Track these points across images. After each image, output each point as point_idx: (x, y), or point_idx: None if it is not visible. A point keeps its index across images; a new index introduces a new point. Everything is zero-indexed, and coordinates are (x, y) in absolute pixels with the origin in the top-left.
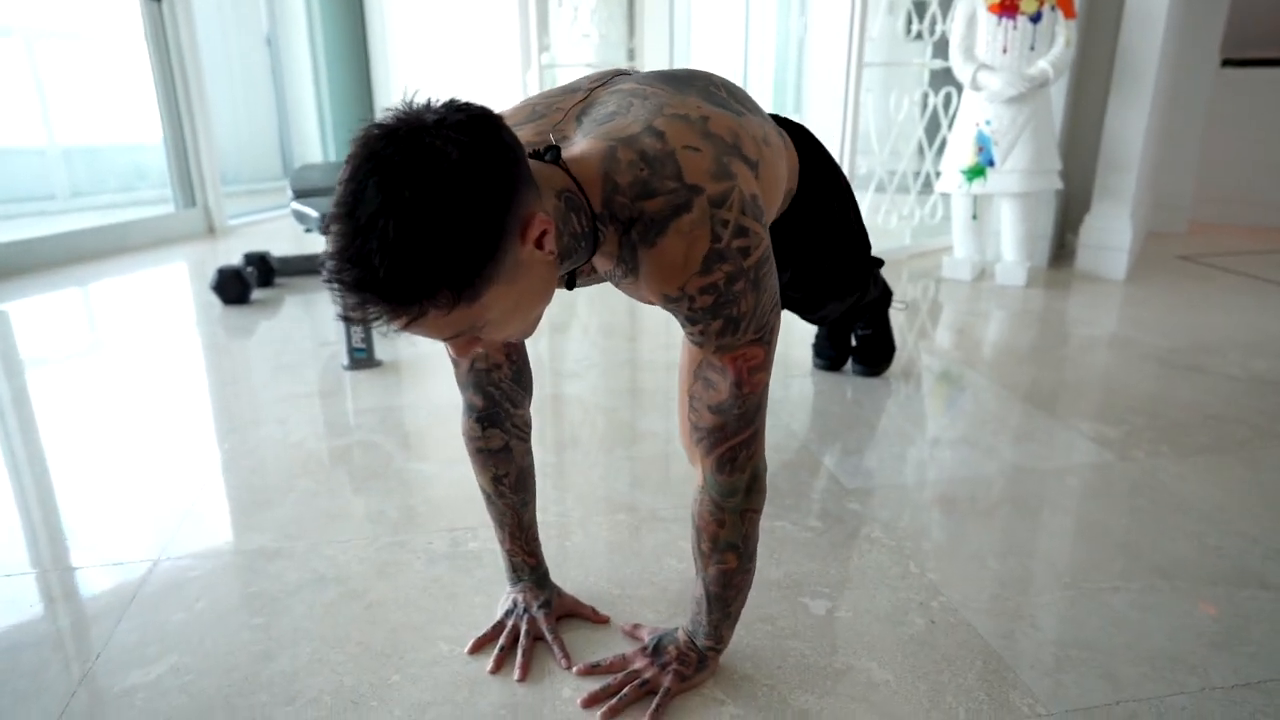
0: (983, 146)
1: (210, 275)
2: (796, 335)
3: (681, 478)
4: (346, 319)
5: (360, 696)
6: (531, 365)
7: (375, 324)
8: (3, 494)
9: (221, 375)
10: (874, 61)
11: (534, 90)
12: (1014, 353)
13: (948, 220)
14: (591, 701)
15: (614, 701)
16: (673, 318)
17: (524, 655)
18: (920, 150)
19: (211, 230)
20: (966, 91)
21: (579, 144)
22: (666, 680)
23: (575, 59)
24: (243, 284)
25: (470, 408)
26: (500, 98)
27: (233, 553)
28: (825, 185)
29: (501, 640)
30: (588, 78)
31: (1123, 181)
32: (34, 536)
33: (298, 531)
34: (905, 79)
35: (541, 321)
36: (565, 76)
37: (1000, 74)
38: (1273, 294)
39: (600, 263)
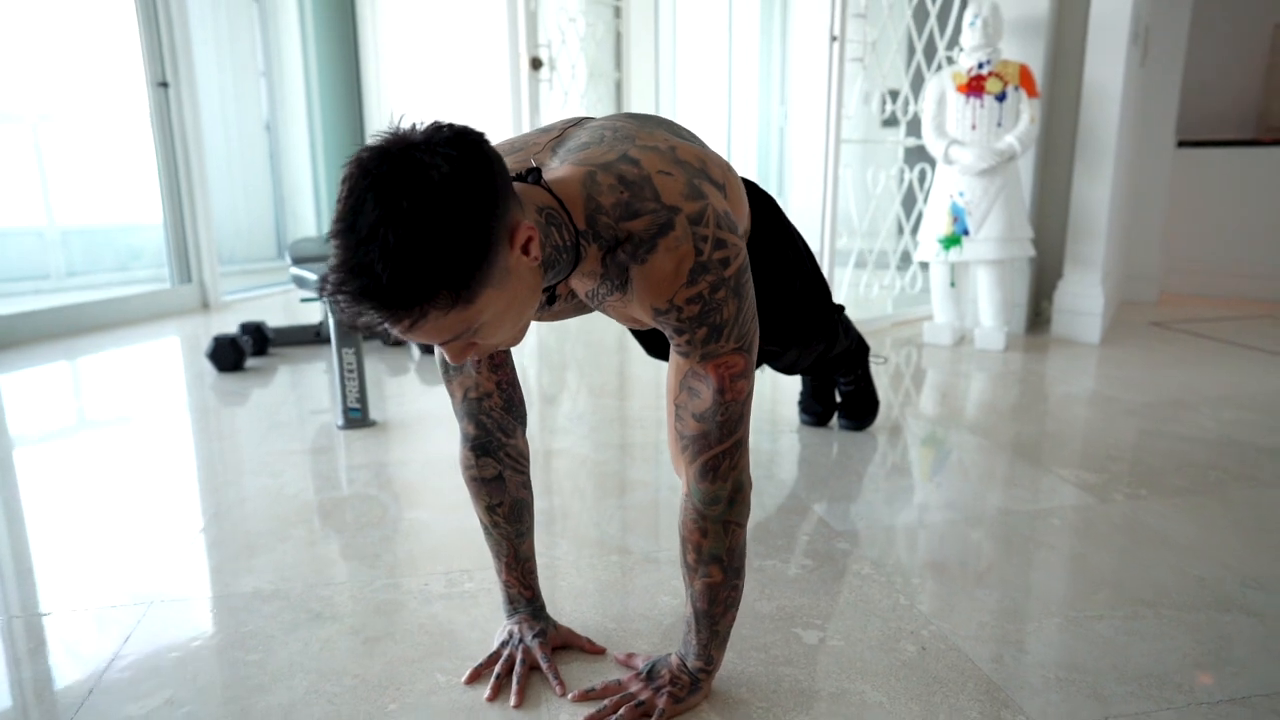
0: (957, 216)
1: (205, 344)
2: (783, 393)
3: (672, 524)
4: (352, 327)
5: (350, 717)
6: (526, 416)
7: (378, 329)
8: None
9: (214, 435)
10: (851, 139)
11: None
12: (995, 409)
13: (928, 291)
14: None
15: None
16: (658, 384)
17: (519, 683)
18: (899, 225)
19: (206, 305)
20: (940, 165)
21: (558, 169)
22: (661, 702)
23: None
24: (238, 351)
25: (465, 437)
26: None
27: (227, 595)
28: (776, 234)
29: (498, 669)
30: (560, 121)
31: (1092, 249)
32: (23, 581)
33: (293, 575)
34: (881, 156)
35: (532, 388)
36: None
37: (971, 148)
38: (1238, 355)
39: (580, 285)
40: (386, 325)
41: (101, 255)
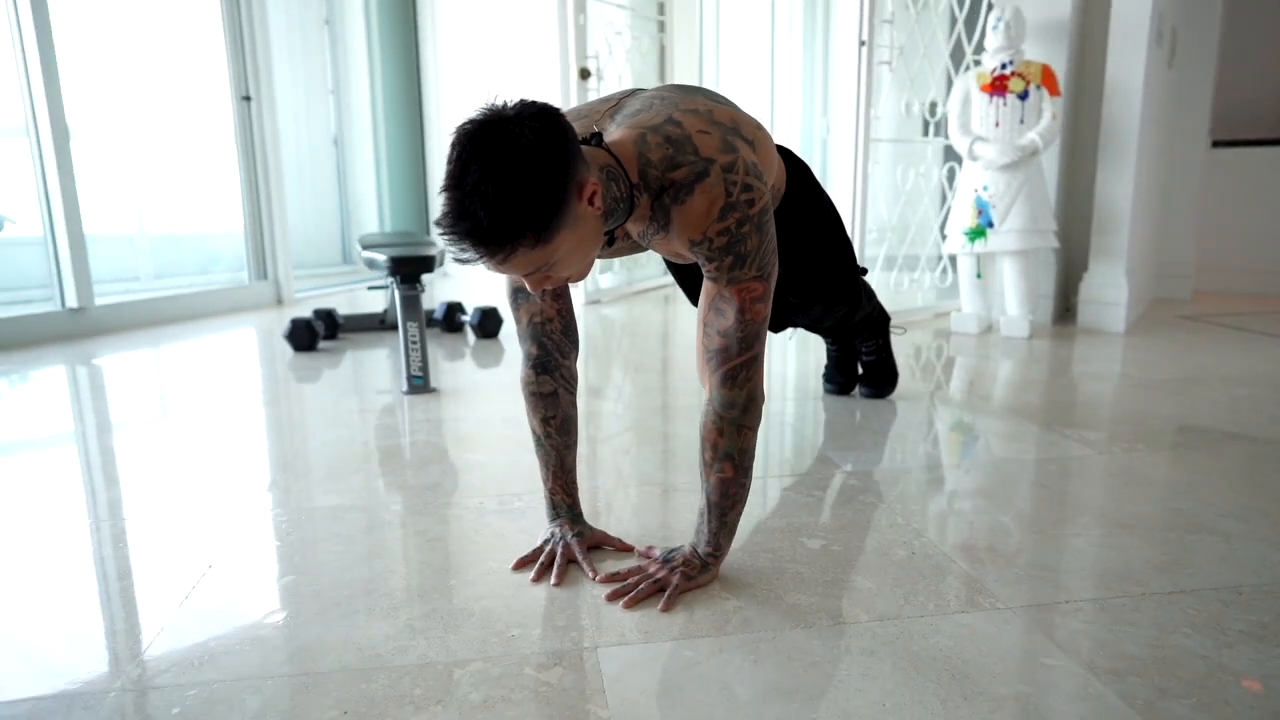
0: (981, 210)
1: (283, 328)
2: (809, 367)
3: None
4: (459, 260)
5: (425, 592)
6: (579, 341)
7: (478, 262)
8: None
9: (291, 400)
10: (883, 138)
11: None
12: (1010, 384)
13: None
14: (614, 595)
15: (632, 594)
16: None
17: (559, 570)
18: (931, 224)
19: (280, 301)
20: (966, 161)
21: (615, 132)
22: (675, 579)
23: None
24: (312, 333)
25: (528, 356)
26: None
27: (311, 509)
28: (808, 197)
29: (542, 559)
30: (618, 92)
31: (1115, 242)
32: (100, 494)
33: (367, 496)
34: (913, 156)
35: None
36: None
37: (994, 144)
38: (1259, 341)
39: (634, 226)
40: (484, 259)
41: (185, 260)
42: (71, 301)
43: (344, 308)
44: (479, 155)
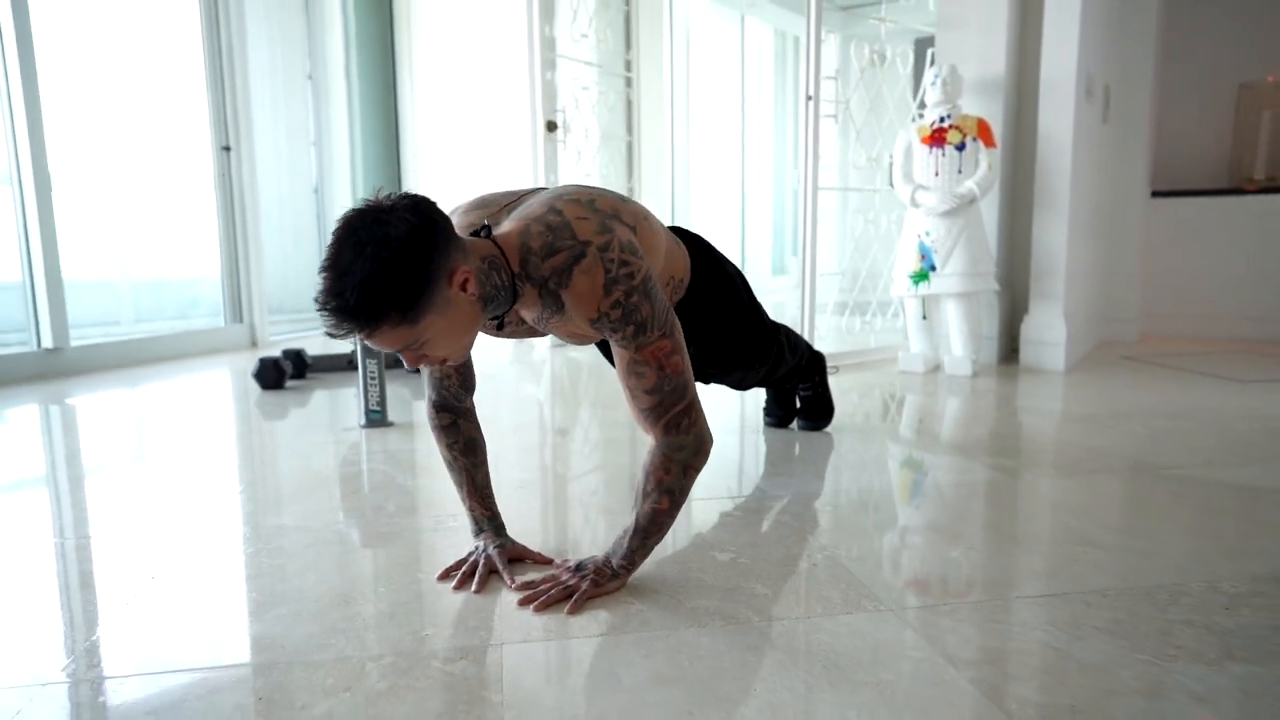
0: (924, 254)
1: (251, 366)
2: (750, 402)
3: (623, 489)
4: (330, 334)
5: (352, 599)
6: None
7: (349, 337)
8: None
9: (252, 434)
10: (830, 186)
11: None
12: (943, 418)
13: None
14: (525, 601)
15: (543, 598)
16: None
17: (480, 579)
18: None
19: (254, 343)
20: (909, 209)
21: (506, 225)
22: (584, 585)
23: None
24: (279, 372)
25: (429, 399)
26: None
27: (260, 526)
28: (713, 278)
29: (464, 569)
30: (524, 189)
31: (1053, 285)
32: (76, 508)
33: (313, 518)
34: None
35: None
36: None
37: (935, 192)
38: (1191, 379)
39: (528, 312)
40: (353, 334)
41: (166, 304)
42: (47, 342)
43: (316, 346)
44: (352, 239)
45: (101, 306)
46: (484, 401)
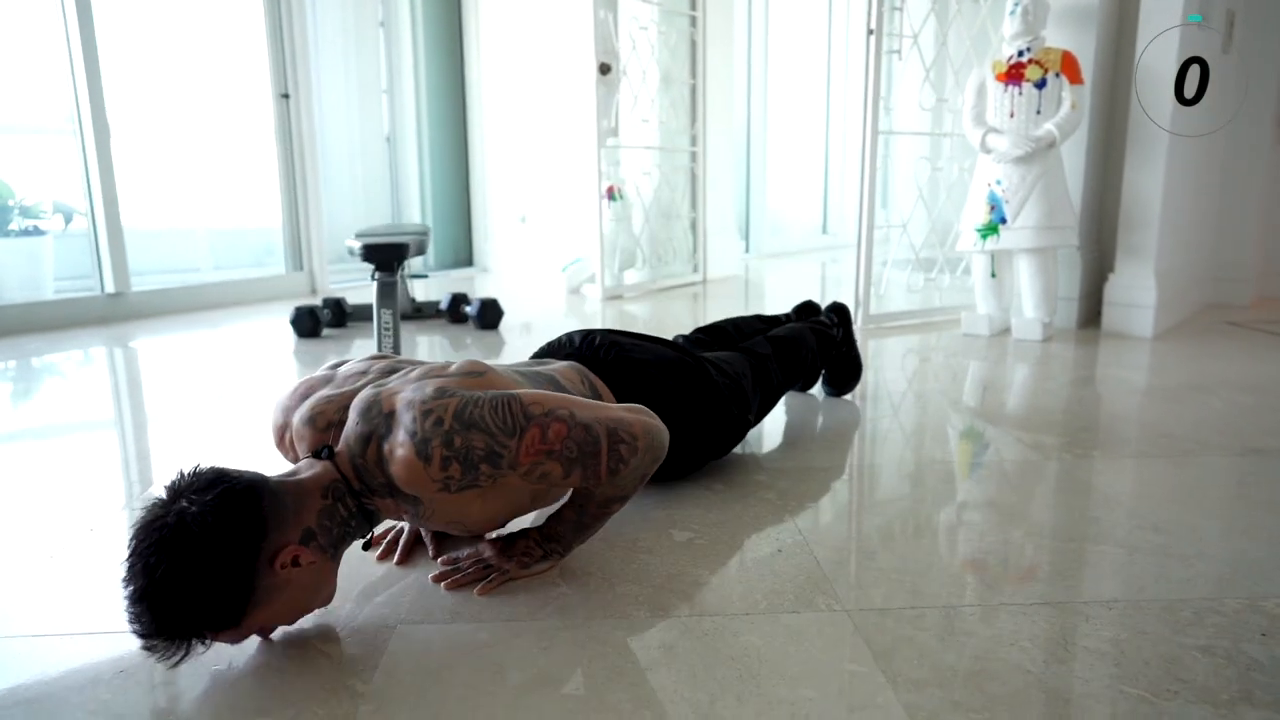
0: (994, 205)
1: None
2: None
3: None
4: (147, 649)
5: None
6: None
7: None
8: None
9: (279, 377)
10: (887, 129)
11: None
12: (990, 386)
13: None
14: (439, 577)
15: (457, 576)
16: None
17: (402, 549)
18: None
19: (314, 291)
20: (980, 155)
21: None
22: (508, 565)
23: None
24: (315, 321)
25: None
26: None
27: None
28: (638, 386)
29: (388, 539)
30: (378, 366)
31: (1144, 240)
32: (143, 462)
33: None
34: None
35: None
36: (628, 156)
37: (1007, 136)
38: None
39: (408, 520)
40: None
41: (241, 252)
42: (110, 287)
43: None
44: (145, 560)
45: (180, 253)
46: (508, 354)
